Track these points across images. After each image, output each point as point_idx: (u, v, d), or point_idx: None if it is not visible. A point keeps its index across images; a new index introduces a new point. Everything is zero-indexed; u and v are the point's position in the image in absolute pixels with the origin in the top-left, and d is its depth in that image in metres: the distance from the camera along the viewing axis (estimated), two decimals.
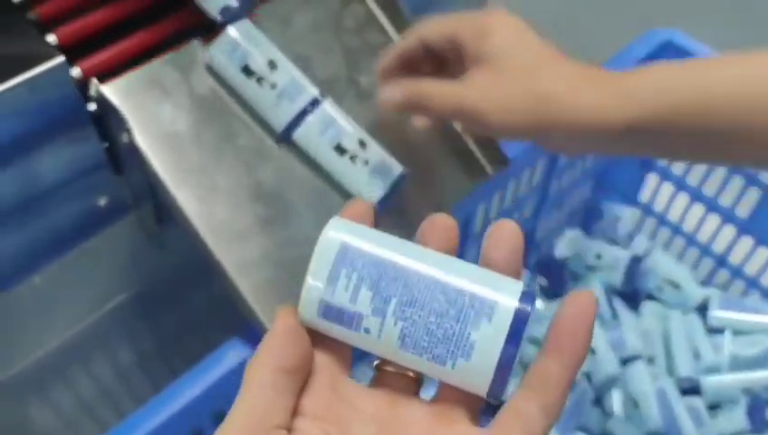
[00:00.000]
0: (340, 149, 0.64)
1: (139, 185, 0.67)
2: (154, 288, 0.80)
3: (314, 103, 0.64)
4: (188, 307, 0.85)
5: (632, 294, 1.02)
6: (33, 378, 0.74)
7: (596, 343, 0.92)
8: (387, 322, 0.32)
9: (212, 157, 0.62)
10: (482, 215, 0.83)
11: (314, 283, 0.32)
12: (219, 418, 0.65)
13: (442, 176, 0.71)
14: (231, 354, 0.62)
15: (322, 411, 0.32)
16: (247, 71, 0.62)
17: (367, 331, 0.32)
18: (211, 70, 0.63)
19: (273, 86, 0.62)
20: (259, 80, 0.62)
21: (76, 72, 0.59)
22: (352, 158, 0.64)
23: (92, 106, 0.59)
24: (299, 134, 0.64)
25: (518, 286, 0.32)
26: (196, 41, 0.64)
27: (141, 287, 0.78)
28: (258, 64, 0.62)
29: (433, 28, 0.60)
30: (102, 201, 0.67)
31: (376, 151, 0.65)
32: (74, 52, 0.60)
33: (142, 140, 0.60)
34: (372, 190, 0.64)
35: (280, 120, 0.63)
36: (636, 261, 1.01)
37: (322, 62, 0.69)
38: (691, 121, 0.52)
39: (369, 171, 0.64)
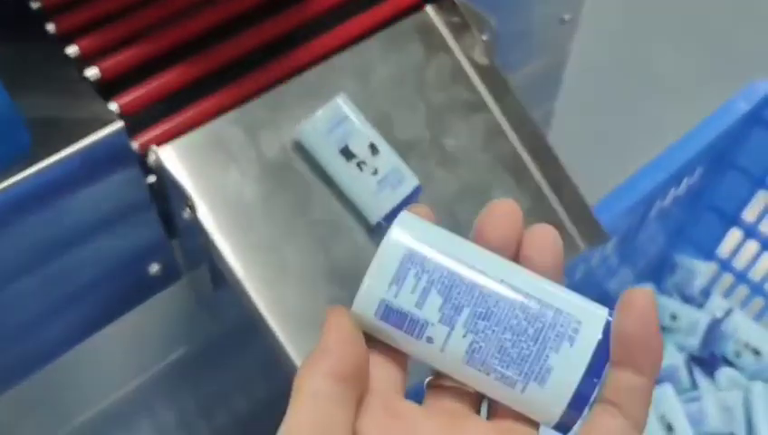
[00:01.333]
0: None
1: (194, 250, 0.60)
2: (203, 351, 0.73)
3: (417, 193, 0.57)
4: (235, 369, 0.78)
5: (708, 359, 0.94)
6: None
7: (675, 417, 0.84)
8: (455, 333, 0.29)
9: (283, 232, 0.55)
10: (565, 280, 0.76)
11: (375, 280, 0.29)
12: None
13: None
14: None
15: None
16: (347, 153, 0.55)
17: (430, 340, 0.29)
18: (299, 146, 0.56)
19: (375, 172, 0.55)
20: (359, 164, 0.55)
21: (135, 145, 0.52)
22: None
23: (151, 178, 0.52)
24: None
25: (603, 312, 0.29)
26: (263, 96, 0.57)
27: (190, 349, 0.72)
28: (359, 147, 0.55)
29: None
30: (153, 269, 0.60)
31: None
32: (115, 87, 0.53)
33: (205, 213, 0.53)
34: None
35: (380, 209, 0.56)
36: (715, 324, 0.93)
37: (404, 120, 0.61)
38: None
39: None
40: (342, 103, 0.56)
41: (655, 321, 0.29)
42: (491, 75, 0.64)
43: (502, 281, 0.29)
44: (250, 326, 0.58)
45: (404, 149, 0.60)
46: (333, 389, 0.28)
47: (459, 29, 0.63)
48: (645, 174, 0.73)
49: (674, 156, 0.74)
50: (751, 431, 0.87)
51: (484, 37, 0.62)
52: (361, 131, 0.56)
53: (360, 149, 0.55)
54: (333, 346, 0.29)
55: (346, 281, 0.56)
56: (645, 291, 0.29)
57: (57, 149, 0.47)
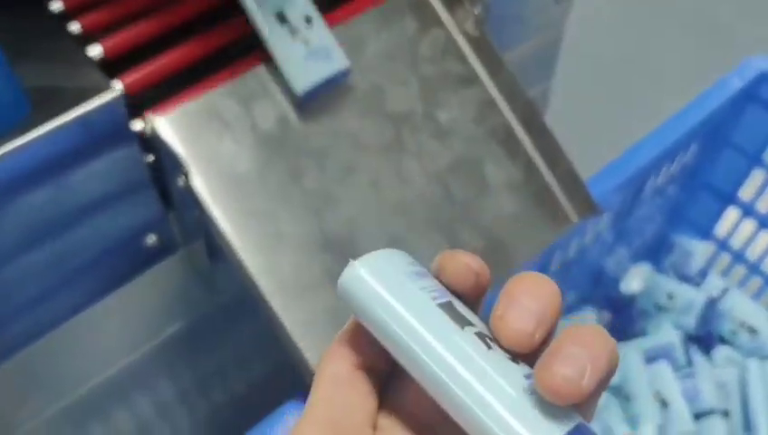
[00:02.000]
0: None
1: (191, 222, 0.61)
2: (199, 325, 0.74)
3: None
4: (231, 343, 0.79)
5: (705, 337, 0.95)
6: (75, 413, 0.70)
7: (670, 394, 0.85)
8: None
9: (277, 201, 0.56)
10: (559, 255, 0.76)
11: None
12: None
13: (525, 223, 0.64)
14: (292, 414, 0.56)
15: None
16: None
17: None
18: None
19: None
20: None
21: (119, 85, 0.52)
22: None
23: (150, 157, 0.53)
24: None
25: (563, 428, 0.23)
26: (257, 68, 0.58)
27: (186, 324, 0.73)
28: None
29: None
30: (150, 240, 0.61)
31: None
32: (119, 65, 0.54)
33: (200, 183, 0.54)
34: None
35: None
36: (711, 303, 0.94)
37: (397, 94, 0.62)
38: None
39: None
40: None
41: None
42: (484, 48, 0.64)
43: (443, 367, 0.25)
44: (247, 301, 0.59)
45: (397, 122, 0.61)
46: (354, 374, 0.28)
47: (452, 3, 0.64)
48: (637, 150, 0.73)
49: (667, 132, 0.74)
50: (746, 408, 0.87)
51: (476, 11, 0.63)
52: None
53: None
54: (357, 335, 0.28)
55: (340, 248, 0.57)
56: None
57: (56, 115, 0.48)
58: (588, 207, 0.65)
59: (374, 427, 0.28)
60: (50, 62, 0.53)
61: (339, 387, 0.27)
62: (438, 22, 0.65)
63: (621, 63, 1.38)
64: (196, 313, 0.73)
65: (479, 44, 0.64)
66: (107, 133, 0.51)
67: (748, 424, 0.86)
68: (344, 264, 0.27)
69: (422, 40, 0.64)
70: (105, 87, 0.50)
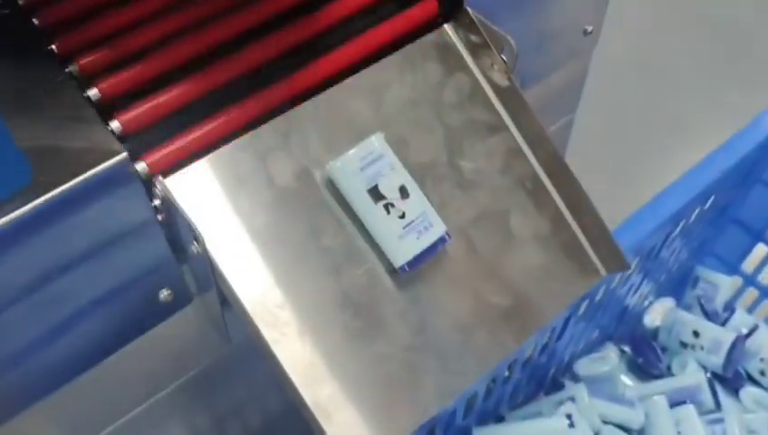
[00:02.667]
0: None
1: (204, 274, 0.59)
2: (214, 369, 0.72)
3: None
4: (247, 383, 0.77)
5: (732, 377, 0.92)
6: None
7: None
8: None
9: (294, 260, 0.54)
10: (587, 302, 0.74)
11: None
12: None
13: (553, 277, 0.61)
14: None
15: None
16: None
17: None
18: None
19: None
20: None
21: (141, 166, 0.50)
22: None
23: (156, 201, 0.51)
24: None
25: None
26: (271, 123, 0.56)
27: (202, 369, 0.71)
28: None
29: None
30: (164, 294, 0.59)
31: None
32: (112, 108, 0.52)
33: (214, 246, 0.51)
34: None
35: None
36: (739, 341, 0.91)
37: (420, 143, 0.60)
38: None
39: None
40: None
41: None
42: (510, 96, 0.62)
43: None
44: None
45: (420, 172, 0.59)
46: None
47: (478, 48, 0.62)
48: (670, 194, 0.71)
49: (701, 174, 0.71)
50: None
51: (503, 57, 0.60)
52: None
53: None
54: None
55: (359, 310, 0.55)
56: None
57: (59, 181, 0.46)
58: (617, 261, 0.62)
59: None
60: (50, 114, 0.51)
61: None
62: (464, 67, 0.62)
63: (646, 82, 1.35)
64: (211, 356, 0.72)
65: (505, 91, 0.62)
66: (112, 188, 0.49)
67: None
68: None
69: (447, 86, 0.62)
70: (109, 144, 0.48)
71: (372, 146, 0.55)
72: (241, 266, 0.52)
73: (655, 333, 0.96)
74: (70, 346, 0.56)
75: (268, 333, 0.51)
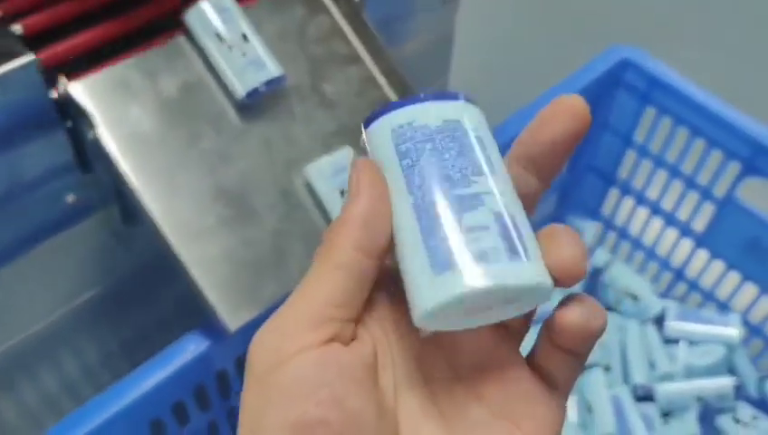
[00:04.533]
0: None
1: (106, 185, 0.69)
2: (120, 287, 0.81)
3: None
4: (154, 307, 0.86)
5: None
6: None
7: None
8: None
9: (176, 159, 0.65)
10: None
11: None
12: (178, 408, 0.67)
13: None
14: (191, 347, 0.64)
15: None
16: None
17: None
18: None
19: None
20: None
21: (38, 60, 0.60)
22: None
23: (65, 118, 0.61)
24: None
25: None
26: (165, 48, 0.67)
27: (107, 286, 0.80)
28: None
29: None
30: (70, 198, 0.69)
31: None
32: (38, 42, 0.62)
33: (109, 138, 0.62)
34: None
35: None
36: (596, 273, 1.04)
37: (288, 69, 0.71)
38: None
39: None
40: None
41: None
42: (364, 32, 0.74)
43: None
44: (164, 266, 0.67)
45: (287, 92, 0.70)
46: (357, 262, 0.28)
47: None
48: (504, 126, 0.83)
49: (534, 111, 0.84)
50: (624, 363, 0.97)
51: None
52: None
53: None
54: (366, 215, 0.29)
55: (232, 200, 0.66)
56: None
57: None
58: None
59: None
60: None
61: (337, 274, 0.28)
62: (324, 9, 0.74)
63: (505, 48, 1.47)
64: (114, 277, 0.80)
65: (360, 28, 0.74)
66: (25, 98, 0.60)
67: (627, 377, 0.96)
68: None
69: (310, 24, 0.74)
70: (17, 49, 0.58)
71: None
72: (131, 157, 0.63)
73: None
74: None
75: (149, 197, 0.61)
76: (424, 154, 0.29)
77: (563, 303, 0.30)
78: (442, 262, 0.28)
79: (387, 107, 0.31)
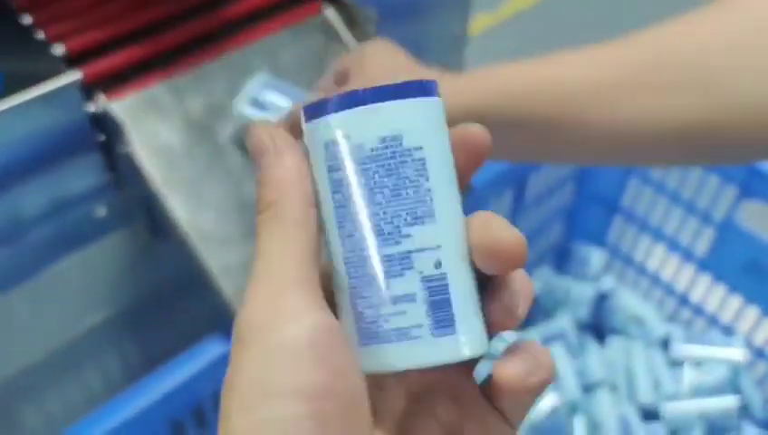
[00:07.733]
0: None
1: (135, 199, 0.74)
2: (146, 300, 0.85)
3: None
4: (180, 320, 0.90)
5: (599, 328, 1.08)
6: (23, 382, 0.78)
7: (561, 369, 0.97)
8: None
9: (202, 172, 0.69)
10: None
11: None
12: (197, 411, 0.70)
13: None
14: (211, 348, 0.67)
15: None
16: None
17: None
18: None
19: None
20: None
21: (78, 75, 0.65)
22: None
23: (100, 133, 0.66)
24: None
25: None
26: (193, 72, 0.72)
27: (134, 299, 0.84)
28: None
29: (338, 63, 0.65)
30: (101, 212, 0.73)
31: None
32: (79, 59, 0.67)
33: (141, 152, 0.67)
34: None
35: None
36: (602, 297, 1.07)
37: (307, 97, 0.76)
38: (518, 110, 0.56)
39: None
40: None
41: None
42: None
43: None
44: (190, 280, 0.70)
45: None
46: (315, 218, 0.28)
47: (351, 24, 0.79)
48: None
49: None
50: (630, 383, 0.99)
51: (370, 28, 0.78)
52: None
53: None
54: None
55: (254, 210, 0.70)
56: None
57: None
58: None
59: None
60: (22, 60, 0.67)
61: (299, 228, 0.28)
62: (339, 39, 0.80)
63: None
64: (140, 292, 0.84)
65: None
66: (66, 113, 0.65)
67: (633, 397, 0.98)
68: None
69: (327, 52, 0.79)
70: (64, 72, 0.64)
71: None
72: (159, 169, 0.67)
73: (535, 298, 1.11)
74: (12, 251, 0.69)
75: (177, 208, 0.66)
76: (356, 194, 0.28)
77: (503, 355, 0.29)
78: (366, 332, 0.28)
79: (327, 103, 0.28)
